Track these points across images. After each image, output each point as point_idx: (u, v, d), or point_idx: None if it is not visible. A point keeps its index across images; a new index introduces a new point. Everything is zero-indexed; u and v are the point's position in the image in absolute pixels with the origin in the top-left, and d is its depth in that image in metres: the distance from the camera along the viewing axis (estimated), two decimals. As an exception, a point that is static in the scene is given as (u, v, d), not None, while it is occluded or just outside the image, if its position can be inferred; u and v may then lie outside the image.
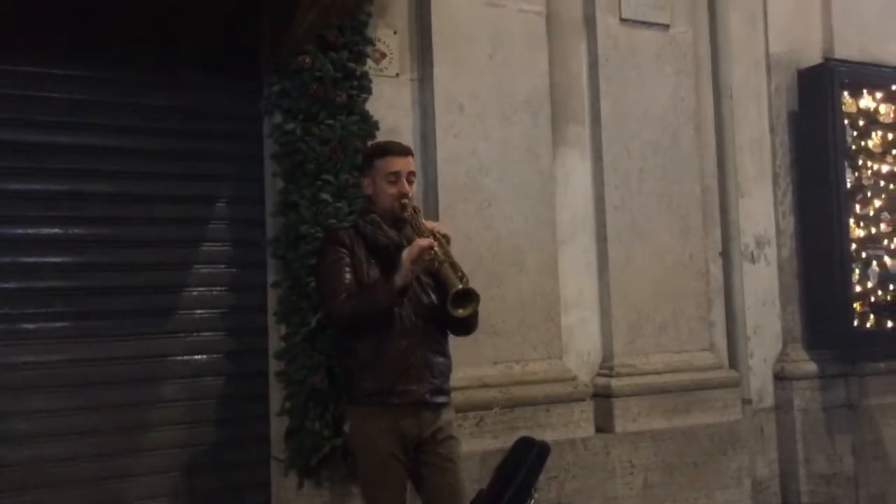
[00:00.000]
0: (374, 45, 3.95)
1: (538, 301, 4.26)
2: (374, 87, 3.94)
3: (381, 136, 3.93)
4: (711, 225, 4.92)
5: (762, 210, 5.15)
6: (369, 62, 3.93)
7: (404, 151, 3.16)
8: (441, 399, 3.05)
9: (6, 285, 3.65)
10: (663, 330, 4.58)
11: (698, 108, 4.88)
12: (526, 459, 3.87)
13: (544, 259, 4.30)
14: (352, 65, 3.78)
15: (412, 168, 3.14)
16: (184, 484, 3.85)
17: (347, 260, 2.98)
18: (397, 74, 4.12)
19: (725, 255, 4.97)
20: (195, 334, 3.94)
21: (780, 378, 5.08)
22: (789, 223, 5.21)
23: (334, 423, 3.61)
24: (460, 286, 2.84)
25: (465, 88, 4.16)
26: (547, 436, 4.07)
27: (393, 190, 3.07)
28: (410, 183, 3.11)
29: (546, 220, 4.33)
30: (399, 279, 2.86)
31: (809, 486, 4.97)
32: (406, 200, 3.06)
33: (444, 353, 3.10)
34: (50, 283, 3.71)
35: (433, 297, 3.03)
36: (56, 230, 3.74)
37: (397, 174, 3.07)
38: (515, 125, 4.28)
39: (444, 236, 3.00)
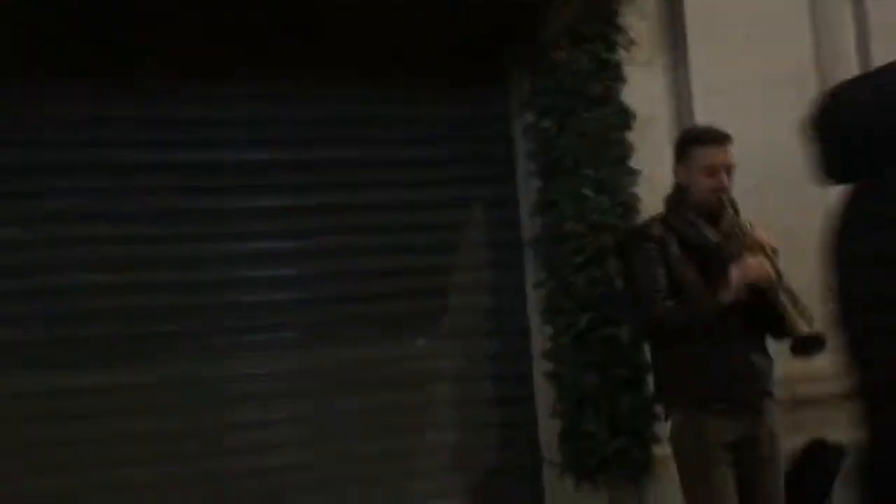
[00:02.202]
0: (625, 32, 3.83)
1: (817, 289, 3.91)
2: (627, 76, 3.82)
3: (638, 127, 3.81)
4: None
5: None
6: (620, 51, 3.82)
7: (724, 140, 2.90)
8: (767, 403, 2.83)
9: (279, 297, 3.81)
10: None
11: None
12: (819, 465, 3.57)
13: (818, 243, 3.94)
14: (605, 55, 3.69)
15: (732, 160, 2.87)
16: (457, 485, 3.87)
17: (659, 258, 2.78)
18: (649, 61, 3.96)
19: None
20: (460, 338, 3.97)
21: None
22: None
23: (610, 426, 3.50)
24: (805, 331, 2.57)
25: (722, 71, 3.91)
26: (840, 436, 3.72)
27: (709, 182, 2.83)
28: (729, 175, 2.86)
29: (821, 205, 3.94)
30: (726, 298, 2.66)
31: None
32: (724, 196, 2.83)
33: (766, 352, 2.86)
34: (326, 293, 3.85)
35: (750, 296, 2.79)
36: (330, 238, 3.87)
37: (715, 167, 2.84)
38: (780, 105, 3.93)
39: (774, 251, 2.75)
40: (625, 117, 3.70)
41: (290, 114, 3.89)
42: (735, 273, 2.66)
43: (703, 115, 3.87)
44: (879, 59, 4.14)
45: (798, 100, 3.98)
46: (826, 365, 3.87)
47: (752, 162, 3.91)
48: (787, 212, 3.91)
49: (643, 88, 3.90)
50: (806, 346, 2.59)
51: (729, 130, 3.93)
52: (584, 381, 3.50)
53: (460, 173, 4.06)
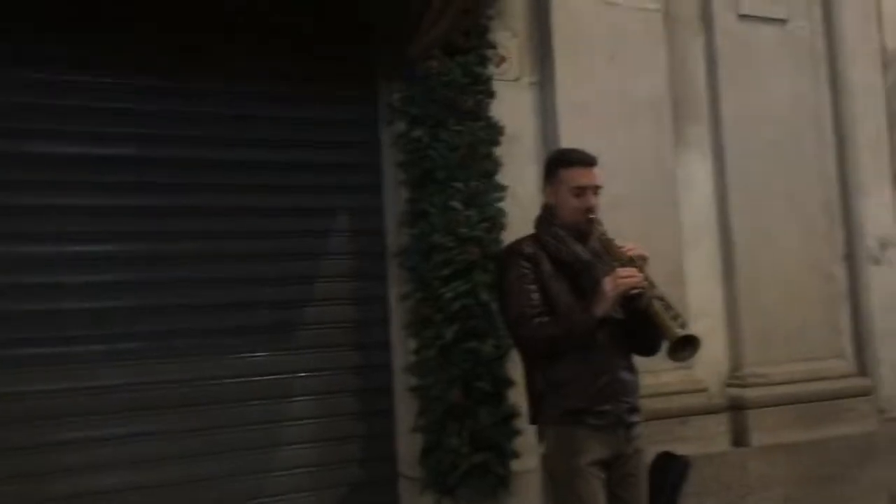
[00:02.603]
0: (495, 48, 3.84)
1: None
2: (496, 91, 3.83)
3: (505, 143, 3.84)
4: (834, 227, 4.72)
5: (884, 210, 4.91)
6: (490, 66, 3.83)
7: (591, 162, 2.96)
8: (635, 418, 2.89)
9: (114, 304, 3.52)
10: (793, 337, 4.38)
11: (817, 105, 4.69)
12: (669, 476, 3.69)
13: (671, 264, 4.13)
14: (477, 69, 3.69)
15: (598, 181, 2.93)
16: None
17: (532, 276, 2.81)
18: (517, 78, 4.00)
19: (850, 257, 4.77)
20: (317, 350, 3.84)
21: (910, 385, 4.83)
22: (912, 223, 4.97)
23: (472, 440, 3.48)
24: (680, 333, 2.62)
25: (586, 90, 4.03)
26: (684, 449, 3.87)
27: (577, 202, 2.89)
28: (596, 195, 2.92)
29: (672, 224, 4.18)
30: (599, 311, 2.70)
31: (947, 500, 4.71)
32: (592, 216, 2.88)
33: (634, 370, 2.94)
34: (171, 301, 3.61)
35: (620, 312, 2.85)
36: (170, 245, 3.63)
37: (583, 188, 2.90)
38: (638, 126, 4.13)
39: (642, 258, 2.79)
40: (494, 132, 3.72)
41: (142, 108, 3.62)
42: (608, 284, 2.71)
43: (567, 133, 3.96)
44: (726, 87, 4.42)
45: (655, 121, 4.21)
46: (672, 381, 4.07)
47: (611, 179, 4.02)
48: (641, 227, 4.05)
49: (511, 104, 3.94)
50: (681, 348, 2.66)
51: (590, 148, 4.04)
52: (454, 395, 3.45)
53: (325, 179, 3.93)
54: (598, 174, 2.95)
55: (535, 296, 2.79)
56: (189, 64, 3.66)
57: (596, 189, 2.93)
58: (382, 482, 3.84)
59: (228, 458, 3.62)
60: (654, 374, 4.01)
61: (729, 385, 4.29)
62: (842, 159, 4.79)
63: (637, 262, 2.76)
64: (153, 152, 3.64)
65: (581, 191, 2.89)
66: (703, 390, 4.14)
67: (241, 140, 3.79)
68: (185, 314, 3.64)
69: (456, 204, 3.55)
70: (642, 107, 4.16)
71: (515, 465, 3.64)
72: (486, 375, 3.54)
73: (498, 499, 3.63)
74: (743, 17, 4.44)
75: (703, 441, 4.03)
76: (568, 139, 3.95)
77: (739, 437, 4.16)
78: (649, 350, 2.88)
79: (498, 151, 3.79)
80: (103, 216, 3.53)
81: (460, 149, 3.58)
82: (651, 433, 3.89)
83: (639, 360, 3.94)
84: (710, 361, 4.28)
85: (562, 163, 2.99)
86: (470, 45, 3.67)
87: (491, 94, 3.76)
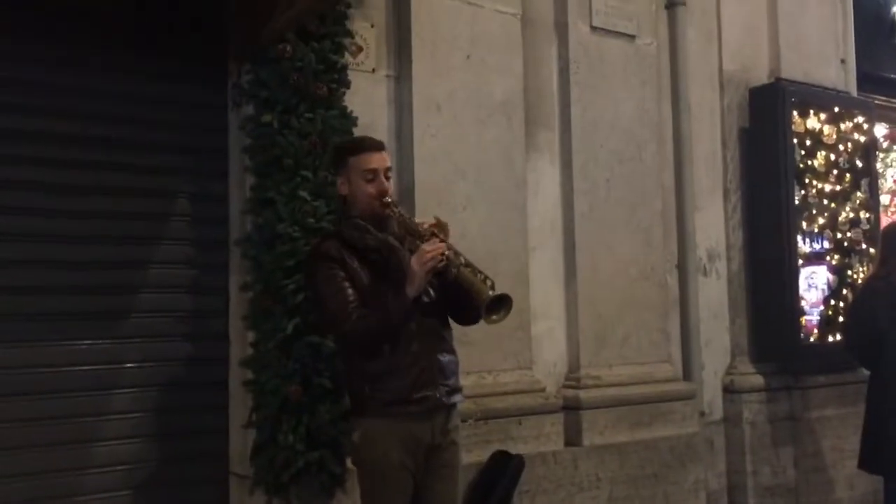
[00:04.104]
0: (352, 37, 3.76)
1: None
2: (351, 81, 3.75)
3: (358, 134, 3.75)
4: (669, 237, 4.95)
5: (714, 224, 5.21)
6: (347, 55, 3.74)
7: (379, 147, 2.99)
8: (456, 398, 2.94)
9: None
10: (626, 341, 4.55)
11: (660, 120, 4.89)
12: (503, 474, 3.75)
13: (517, 266, 4.19)
14: (333, 56, 3.59)
15: (388, 164, 2.96)
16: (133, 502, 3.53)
17: (342, 274, 2.80)
18: (374, 70, 3.94)
19: (681, 267, 5.01)
20: (149, 340, 3.62)
21: (729, 391, 5.13)
22: (738, 237, 5.29)
23: (308, 437, 3.38)
24: (490, 293, 2.70)
25: (442, 88, 4.02)
26: (519, 449, 3.97)
27: (371, 189, 2.89)
28: (388, 179, 2.94)
29: (519, 226, 4.23)
30: (412, 291, 2.72)
31: (756, 499, 5.04)
32: (387, 199, 2.90)
33: (452, 351, 2.97)
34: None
35: (433, 293, 2.89)
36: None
37: (375, 171, 2.90)
38: (491, 128, 4.16)
39: (442, 228, 2.83)
40: (347, 122, 3.62)
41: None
42: (415, 262, 2.73)
43: (420, 129, 3.96)
44: (576, 96, 4.53)
45: (507, 124, 4.26)
46: (510, 381, 4.13)
47: (461, 179, 4.07)
48: (488, 229, 4.10)
49: (366, 95, 3.88)
50: (496, 309, 2.74)
51: (443, 147, 4.06)
52: (289, 391, 3.33)
53: (167, 161, 3.71)
54: (387, 157, 2.99)
55: (350, 291, 2.79)
56: (22, 27, 3.37)
57: (387, 171, 2.94)
58: (211, 480, 3.68)
59: (41, 452, 3.35)
60: (493, 373, 4.08)
61: (565, 386, 4.40)
62: (679, 173, 5.02)
63: (438, 234, 2.81)
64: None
65: (373, 174, 2.90)
66: (541, 390, 4.23)
67: (76, 113, 3.52)
68: (5, 297, 3.35)
69: (304, 194, 3.43)
70: (496, 109, 4.19)
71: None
72: (325, 371, 3.45)
73: (333, 497, 3.55)
74: (595, 29, 4.57)
75: (538, 440, 4.11)
76: (421, 135, 3.95)
77: (572, 437, 4.27)
78: (474, 318, 2.92)
79: (350, 143, 3.71)
80: None
81: (311, 137, 3.47)
82: (487, 432, 3.98)
83: (478, 360, 4.01)
84: (549, 362, 4.39)
85: (348, 150, 3.01)
86: (326, 32, 3.56)
87: (346, 84, 3.66)
